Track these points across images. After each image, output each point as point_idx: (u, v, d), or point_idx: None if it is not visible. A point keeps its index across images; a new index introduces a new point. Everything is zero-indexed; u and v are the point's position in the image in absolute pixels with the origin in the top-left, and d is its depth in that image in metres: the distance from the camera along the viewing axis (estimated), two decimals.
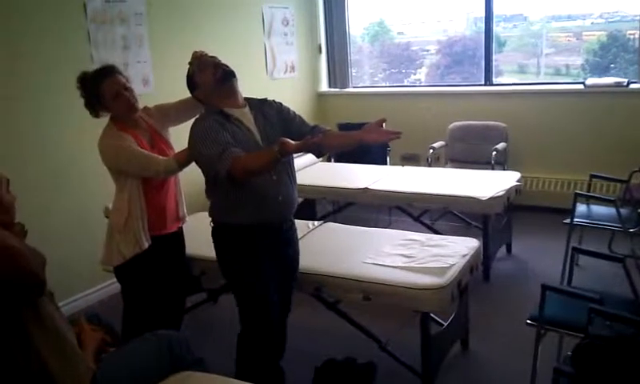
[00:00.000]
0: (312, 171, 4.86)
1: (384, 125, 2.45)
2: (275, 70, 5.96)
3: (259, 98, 2.65)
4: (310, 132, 2.58)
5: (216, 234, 2.60)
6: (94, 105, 2.71)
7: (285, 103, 2.73)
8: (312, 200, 5.12)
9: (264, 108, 2.60)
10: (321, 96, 6.65)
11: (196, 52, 2.57)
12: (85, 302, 4.10)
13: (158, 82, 4.52)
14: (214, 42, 4.82)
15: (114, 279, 2.94)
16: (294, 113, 2.69)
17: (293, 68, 6.23)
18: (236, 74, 2.52)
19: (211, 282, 3.56)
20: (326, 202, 5.19)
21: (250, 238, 2.51)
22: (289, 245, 2.70)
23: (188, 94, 2.90)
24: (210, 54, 2.55)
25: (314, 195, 4.78)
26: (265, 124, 2.54)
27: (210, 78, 2.48)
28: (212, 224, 2.60)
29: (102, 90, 2.66)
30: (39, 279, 1.64)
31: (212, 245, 2.64)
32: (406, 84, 6.68)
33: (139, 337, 2.18)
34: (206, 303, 3.86)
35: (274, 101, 2.68)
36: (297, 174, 2.66)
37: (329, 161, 5.48)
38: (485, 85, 5.82)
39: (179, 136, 2.98)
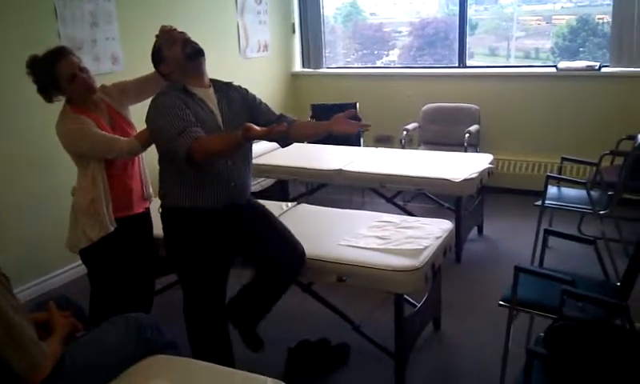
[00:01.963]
0: (285, 152, 4.77)
1: (357, 107, 2.45)
2: (248, 49, 5.87)
3: (225, 80, 2.61)
4: (275, 121, 2.55)
5: (164, 216, 2.56)
6: (47, 89, 2.61)
7: (258, 83, 2.70)
8: (284, 181, 5.09)
9: (229, 91, 2.57)
10: (294, 76, 6.59)
11: (165, 26, 2.51)
12: (53, 284, 4.02)
13: (128, 59, 4.40)
14: (185, 18, 4.71)
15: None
16: (260, 100, 2.66)
17: (266, 47, 6.14)
18: (205, 52, 2.47)
19: None
20: (298, 183, 5.16)
21: (198, 221, 2.47)
22: (243, 213, 2.63)
23: None
24: (180, 30, 2.49)
25: (286, 176, 4.75)
26: (228, 108, 2.50)
27: (179, 54, 2.43)
28: (161, 208, 2.57)
29: (57, 72, 2.56)
30: None
31: None
32: (379, 65, 6.66)
33: (107, 320, 2.13)
34: (176, 285, 3.81)
35: (239, 86, 2.65)
36: (268, 155, 2.64)
37: (301, 142, 5.44)
38: (458, 67, 5.82)
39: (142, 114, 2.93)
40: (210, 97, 2.47)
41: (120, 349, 2.02)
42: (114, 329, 2.07)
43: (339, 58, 6.82)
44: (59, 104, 2.69)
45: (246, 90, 2.65)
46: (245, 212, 2.65)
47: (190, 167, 2.32)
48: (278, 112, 2.68)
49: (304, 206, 3.61)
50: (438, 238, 2.92)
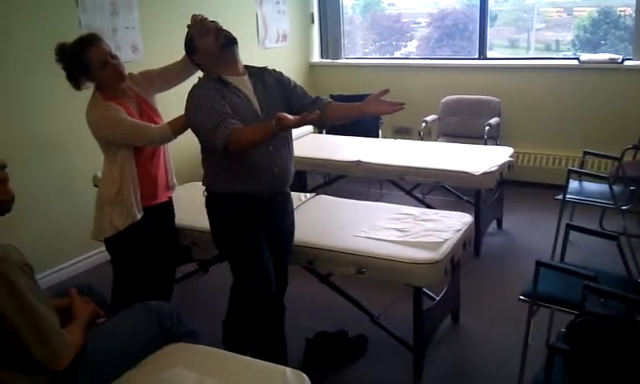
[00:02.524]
0: (303, 143, 4.81)
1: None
2: (267, 39, 5.86)
3: (259, 66, 2.59)
4: (310, 104, 2.53)
5: (209, 202, 2.56)
6: (77, 77, 2.61)
7: None
8: (303, 172, 5.08)
9: (264, 76, 2.54)
10: (312, 67, 6.56)
11: (196, 15, 2.48)
12: (73, 270, 4.06)
13: (148, 48, 4.42)
14: (204, 7, 4.66)
15: (103, 248, 2.90)
16: (295, 83, 2.63)
17: (285, 37, 6.12)
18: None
19: (202, 253, 3.55)
20: (316, 174, 5.15)
21: (243, 207, 2.47)
22: (283, 217, 2.67)
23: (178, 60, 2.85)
24: (210, 19, 2.47)
25: (304, 167, 4.73)
26: (264, 93, 2.48)
27: (212, 44, 2.41)
28: (205, 193, 2.55)
29: (89, 59, 2.56)
30: None
31: (203, 215, 2.61)
32: (398, 56, 6.61)
33: (128, 308, 2.15)
34: (197, 274, 3.84)
35: (274, 70, 2.61)
36: None
37: (320, 132, 5.43)
38: (479, 58, 5.76)
39: (168, 102, 2.94)
40: (246, 84, 2.45)
41: (140, 336, 2.04)
42: (135, 317, 2.08)
43: (357, 49, 6.78)
44: (80, 92, 2.68)
45: (280, 73, 2.62)
46: (282, 217, 2.66)
47: (228, 157, 2.32)
48: (313, 95, 2.65)
49: (322, 197, 3.61)
50: (457, 231, 2.90)
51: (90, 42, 2.59)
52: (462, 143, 4.74)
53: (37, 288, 1.71)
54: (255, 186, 2.45)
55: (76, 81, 2.62)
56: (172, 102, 2.48)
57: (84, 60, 2.57)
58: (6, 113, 3.63)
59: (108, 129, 2.61)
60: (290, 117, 2.18)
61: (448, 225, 2.96)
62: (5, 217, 1.76)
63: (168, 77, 2.86)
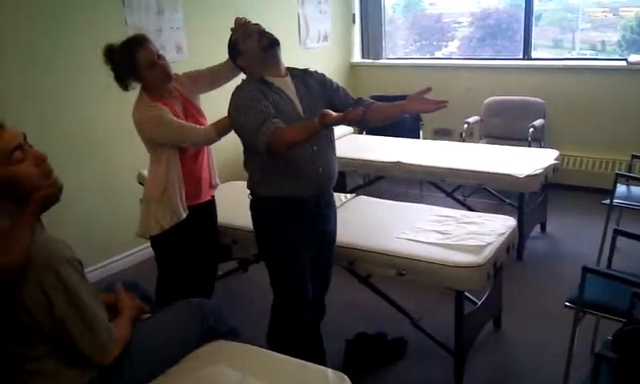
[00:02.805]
0: (343, 143, 4.80)
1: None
2: (308, 39, 5.87)
3: (301, 67, 2.59)
4: (353, 105, 2.49)
5: (254, 207, 2.56)
6: (125, 77, 2.65)
7: None
8: (342, 172, 5.06)
9: (306, 78, 2.53)
10: (353, 67, 6.55)
11: (239, 18, 2.50)
12: (117, 267, 4.15)
13: (192, 48, 4.48)
14: (247, 8, 4.73)
15: (148, 243, 2.95)
16: (338, 85, 2.61)
17: (326, 37, 6.13)
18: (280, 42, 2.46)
19: (242, 251, 3.58)
20: (356, 174, 5.14)
21: (287, 211, 2.46)
22: (327, 221, 2.64)
23: (221, 61, 2.87)
24: (253, 21, 2.49)
25: (344, 168, 4.70)
26: (306, 94, 2.48)
27: (255, 46, 2.42)
28: (250, 197, 2.56)
29: (137, 60, 2.60)
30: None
31: (243, 214, 2.62)
32: (440, 56, 6.54)
33: (172, 305, 2.17)
34: (237, 272, 3.88)
35: (316, 71, 2.61)
36: None
37: (360, 133, 5.41)
38: (523, 59, 5.66)
39: (212, 103, 2.97)
40: (288, 85, 2.45)
41: (184, 333, 2.06)
42: (179, 313, 2.11)
43: (397, 49, 6.74)
44: (123, 90, 2.72)
45: (323, 74, 2.61)
46: (326, 221, 2.64)
47: (272, 157, 2.33)
48: (355, 96, 2.63)
49: (362, 198, 3.60)
50: (501, 234, 2.85)
51: (137, 43, 2.63)
52: (505, 145, 4.66)
53: (86, 283, 1.74)
54: (299, 188, 2.43)
55: (124, 81, 2.66)
56: (217, 103, 2.50)
57: (132, 61, 2.61)
58: (54, 111, 3.73)
59: (154, 129, 2.65)
60: (332, 113, 2.17)
61: (491, 228, 2.91)
62: (52, 214, 1.79)
63: (213, 78, 2.89)
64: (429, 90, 2.36)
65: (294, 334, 2.62)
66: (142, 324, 2.03)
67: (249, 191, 2.55)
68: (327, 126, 2.23)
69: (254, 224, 2.58)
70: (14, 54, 3.49)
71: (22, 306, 1.61)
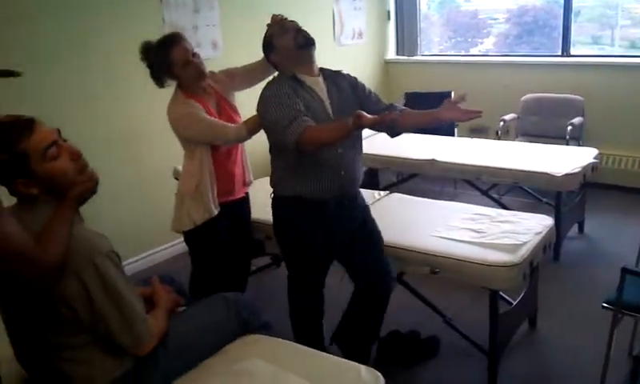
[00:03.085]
0: (376, 140, 4.75)
1: (452, 95, 2.35)
2: (342, 36, 5.87)
3: (334, 69, 2.58)
4: (385, 111, 2.47)
5: (275, 205, 2.57)
6: (160, 75, 2.68)
7: (351, 70, 2.66)
8: (375, 170, 5.06)
9: (338, 80, 2.53)
10: (387, 63, 6.53)
11: (276, 15, 2.51)
12: (153, 260, 4.21)
13: (227, 45, 4.52)
14: (281, 5, 4.76)
15: (182, 238, 2.98)
16: (370, 90, 2.61)
17: (360, 34, 6.12)
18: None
19: (274, 247, 3.59)
20: (389, 172, 5.11)
21: (306, 211, 2.46)
22: (353, 219, 2.61)
23: (257, 58, 2.89)
24: (290, 19, 2.49)
25: (377, 165, 4.72)
26: (337, 96, 2.47)
27: (291, 43, 2.42)
28: (272, 195, 2.57)
29: (172, 58, 2.63)
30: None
31: None
32: (475, 53, 6.46)
33: (207, 298, 2.19)
34: (269, 267, 3.90)
35: (348, 74, 2.60)
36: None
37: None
38: (561, 56, 5.55)
39: (250, 100, 2.98)
40: (320, 85, 2.45)
41: (218, 326, 2.08)
42: (214, 307, 2.13)
43: (431, 46, 6.68)
44: (159, 87, 2.76)
45: (355, 78, 2.60)
46: (358, 220, 2.63)
47: (300, 156, 2.32)
48: (387, 102, 2.62)
49: (396, 195, 3.58)
50: (538, 234, 2.81)
51: (173, 41, 2.67)
52: (542, 143, 4.58)
53: (124, 276, 1.76)
54: (320, 189, 2.42)
55: (159, 79, 2.69)
56: (253, 101, 2.50)
57: (167, 59, 2.64)
58: (92, 108, 3.80)
59: (187, 126, 2.68)
60: (368, 115, 2.15)
61: (527, 227, 2.87)
62: (90, 208, 1.83)
63: (248, 76, 2.90)
64: (464, 97, 2.33)
65: (306, 318, 2.67)
66: (177, 317, 2.06)
67: (271, 189, 2.56)
68: (360, 128, 2.21)
69: (273, 222, 2.60)
70: (54, 53, 3.57)
71: (61, 298, 1.64)
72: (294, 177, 2.44)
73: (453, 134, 5.36)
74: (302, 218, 2.49)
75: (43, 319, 1.69)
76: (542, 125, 5.20)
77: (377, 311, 2.76)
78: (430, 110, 2.44)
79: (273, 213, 2.59)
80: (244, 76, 2.91)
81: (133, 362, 1.81)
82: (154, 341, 1.83)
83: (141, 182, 4.14)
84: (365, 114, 2.16)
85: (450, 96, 5.21)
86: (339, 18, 5.79)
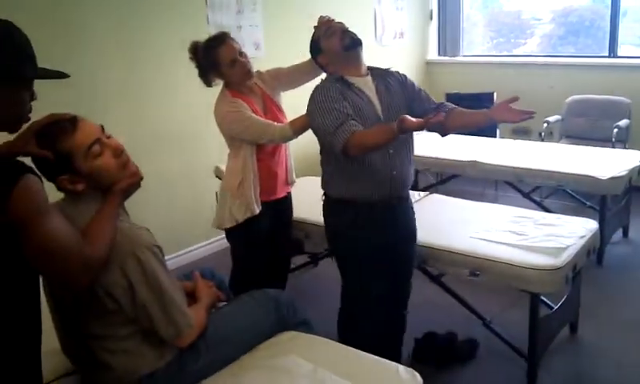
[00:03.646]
0: (416, 141, 4.74)
1: (495, 97, 2.31)
2: (384, 36, 5.85)
3: (383, 67, 2.56)
4: (434, 109, 2.45)
5: (326, 207, 2.56)
6: (208, 73, 2.72)
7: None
8: (414, 170, 5.02)
9: (387, 78, 2.50)
10: (429, 64, 6.49)
11: (323, 17, 2.52)
12: (193, 256, 4.28)
13: (269, 46, 4.56)
14: (323, 6, 4.78)
15: (222, 235, 3.02)
16: (419, 87, 2.57)
17: (402, 34, 6.09)
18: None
19: (313, 246, 3.62)
20: (429, 173, 5.08)
21: (358, 212, 2.43)
22: (401, 222, 2.58)
23: (298, 59, 2.91)
24: (337, 20, 2.49)
25: (417, 166, 4.61)
26: (386, 95, 2.44)
27: (337, 44, 2.41)
28: (324, 197, 2.56)
29: (219, 57, 2.67)
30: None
31: (316, 209, 2.63)
32: (518, 53, 6.37)
33: (247, 294, 2.22)
34: (307, 266, 3.93)
35: (397, 72, 2.57)
36: None
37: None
38: (608, 57, 5.42)
39: (294, 100, 3.01)
40: (368, 85, 2.43)
41: (258, 322, 2.11)
42: (254, 303, 2.16)
43: (473, 47, 6.61)
44: (205, 88, 2.81)
45: (404, 76, 2.57)
46: (400, 226, 2.59)
47: (347, 158, 2.31)
48: (437, 101, 2.58)
49: (436, 196, 3.56)
50: (581, 237, 2.76)
51: (220, 40, 2.70)
52: (586, 146, 4.49)
53: (166, 269, 1.80)
54: (371, 190, 2.40)
55: (207, 78, 2.74)
56: (300, 100, 2.52)
57: (214, 58, 2.68)
58: (139, 106, 3.89)
59: (232, 124, 2.71)
60: (412, 119, 2.12)
61: (570, 230, 2.82)
62: (135, 203, 1.87)
63: (294, 76, 2.91)
64: (516, 98, 2.27)
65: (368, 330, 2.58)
66: (218, 311, 2.10)
67: (322, 191, 2.55)
68: (405, 132, 2.17)
69: (325, 224, 2.58)
70: (104, 53, 3.67)
71: (105, 290, 1.68)
72: (345, 177, 2.42)
73: (495, 135, 5.30)
74: (353, 220, 2.45)
75: (88, 311, 1.73)
76: (587, 127, 5.10)
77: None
78: (481, 110, 2.40)
79: (324, 215, 2.57)
80: (290, 76, 2.92)
81: (174, 354, 1.85)
82: (194, 333, 1.86)
83: (184, 179, 4.21)
84: (409, 118, 2.12)
85: (493, 97, 5.17)
86: (381, 18, 5.78)
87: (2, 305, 1.44)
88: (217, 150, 3.35)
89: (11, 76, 1.44)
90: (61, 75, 1.54)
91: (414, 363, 2.88)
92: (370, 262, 2.48)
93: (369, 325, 2.55)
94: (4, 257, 1.41)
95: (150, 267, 1.72)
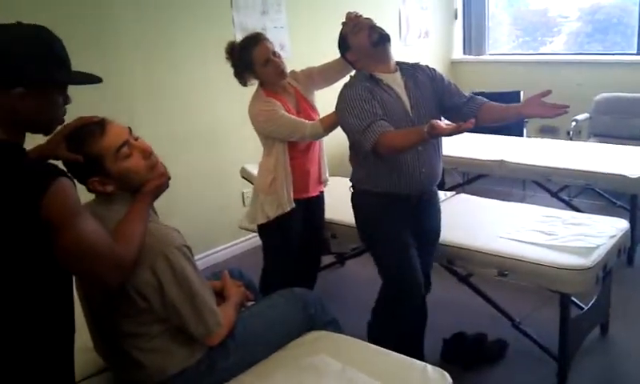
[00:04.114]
0: (443, 140, 4.74)
1: (521, 95, 2.29)
2: (408, 35, 5.83)
3: (412, 62, 2.56)
4: (464, 103, 2.44)
5: (355, 198, 2.57)
6: (243, 73, 2.76)
7: None
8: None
9: (416, 73, 2.49)
10: (454, 63, 6.44)
11: (350, 13, 2.52)
12: (221, 256, 4.30)
13: (294, 46, 4.57)
14: (348, 6, 4.78)
15: (249, 236, 3.04)
16: (449, 81, 2.55)
17: (426, 34, 6.06)
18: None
19: (340, 246, 3.62)
20: (455, 172, 5.05)
21: (387, 204, 2.45)
22: (428, 218, 2.62)
23: (324, 59, 2.92)
24: (365, 16, 2.49)
25: (443, 165, 4.60)
26: (416, 91, 2.43)
27: (366, 41, 2.41)
28: (352, 189, 2.57)
29: (253, 56, 2.70)
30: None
31: (344, 209, 2.64)
32: (545, 52, 6.29)
33: (276, 293, 2.23)
34: (334, 266, 3.93)
35: (427, 66, 2.57)
36: None
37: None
38: (637, 54, 5.33)
39: (325, 99, 3.02)
40: (397, 81, 2.43)
41: (286, 321, 2.12)
42: (282, 302, 2.17)
43: (498, 45, 6.54)
44: (232, 87, 2.83)
45: (434, 69, 2.56)
46: (428, 218, 2.62)
47: (376, 157, 2.32)
48: (468, 94, 2.55)
49: (463, 196, 3.54)
50: (612, 237, 2.72)
51: (254, 41, 2.74)
52: (615, 144, 4.42)
53: (195, 269, 1.82)
54: (400, 186, 2.42)
55: (242, 77, 2.78)
56: (331, 99, 2.53)
57: (249, 58, 2.71)
58: (166, 107, 3.92)
59: (265, 123, 2.73)
60: (443, 125, 2.11)
61: (600, 230, 2.78)
62: (163, 205, 1.90)
63: (325, 75, 2.92)
64: (549, 92, 2.24)
65: (404, 318, 2.59)
66: (247, 310, 2.12)
67: (350, 184, 2.57)
68: (435, 137, 2.18)
69: (356, 216, 2.59)
70: (131, 54, 3.71)
71: (136, 289, 1.71)
72: (376, 174, 2.44)
73: (522, 134, 5.25)
74: (383, 209, 2.46)
75: (120, 310, 1.76)
76: (616, 125, 5.02)
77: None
78: (513, 104, 2.38)
79: (354, 208, 2.58)
80: (322, 75, 2.93)
81: (204, 353, 1.87)
82: (223, 332, 1.88)
83: (211, 179, 4.24)
84: (440, 123, 2.12)
85: (519, 96, 5.12)
86: (405, 18, 5.76)
87: (36, 303, 1.47)
88: (243, 151, 3.38)
89: (46, 81, 1.47)
90: (94, 80, 1.57)
91: (442, 364, 2.87)
92: (402, 256, 2.48)
93: (407, 308, 2.55)
94: (38, 257, 1.44)
95: (179, 267, 1.74)
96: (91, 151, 1.68)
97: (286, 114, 2.72)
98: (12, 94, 1.41)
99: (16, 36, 1.45)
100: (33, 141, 1.57)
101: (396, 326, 2.59)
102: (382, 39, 2.40)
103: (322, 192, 3.06)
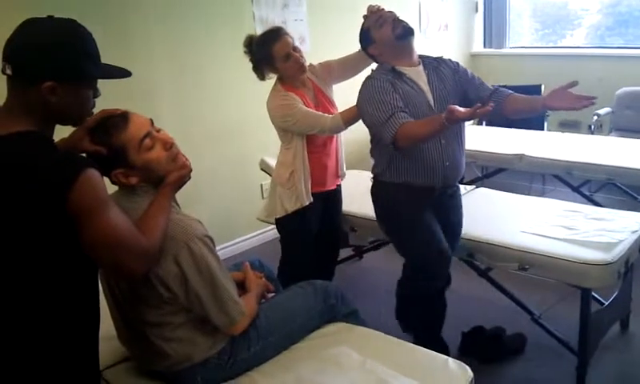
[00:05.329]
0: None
1: (542, 89, 2.27)
2: (428, 28, 5.80)
3: (435, 55, 2.55)
4: (489, 96, 2.41)
5: (377, 190, 2.57)
6: (262, 67, 2.77)
7: None
8: None
9: (439, 67, 2.48)
10: (473, 56, 6.40)
11: (372, 6, 2.51)
12: (240, 248, 4.33)
13: (314, 40, 4.58)
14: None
15: (268, 228, 3.05)
16: (473, 74, 2.53)
17: (446, 26, 6.03)
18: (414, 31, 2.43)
19: (359, 239, 3.63)
20: (474, 166, 5.02)
21: (410, 195, 2.45)
22: (451, 212, 2.62)
23: (344, 53, 2.92)
24: (388, 9, 2.48)
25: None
26: (439, 84, 2.42)
27: (389, 34, 2.39)
28: (372, 180, 2.57)
29: (273, 51, 2.70)
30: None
31: (363, 202, 2.65)
32: (565, 45, 6.22)
33: (296, 284, 2.25)
34: (352, 259, 3.94)
35: (450, 60, 2.55)
36: None
37: (480, 124, 5.28)
38: None
39: (343, 93, 3.03)
40: (420, 74, 2.42)
41: (307, 312, 2.13)
42: (303, 293, 2.18)
43: (517, 38, 6.49)
44: (252, 81, 2.85)
45: (457, 63, 2.55)
46: (450, 211, 2.63)
47: (397, 150, 2.32)
48: (492, 86, 2.53)
49: (483, 190, 3.53)
50: (634, 232, 2.69)
51: (274, 35, 2.74)
52: (638, 138, 4.37)
53: (217, 259, 1.84)
54: (425, 179, 2.41)
55: (261, 71, 2.79)
56: (349, 93, 2.53)
57: (268, 52, 2.71)
58: (189, 102, 3.96)
59: (284, 117, 2.74)
60: (461, 109, 2.10)
61: (623, 225, 2.76)
62: (185, 196, 1.92)
63: (344, 68, 2.93)
64: (575, 84, 2.19)
65: (429, 300, 2.62)
66: (268, 301, 2.14)
67: (372, 175, 2.57)
68: (454, 123, 2.15)
69: (376, 206, 2.59)
70: (157, 53, 3.76)
71: (160, 279, 1.74)
72: (398, 167, 2.43)
73: (542, 128, 5.20)
74: (405, 199, 2.47)
75: (144, 299, 1.79)
76: (638, 119, 4.96)
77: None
78: (538, 96, 2.36)
79: (375, 199, 2.59)
80: (340, 68, 2.93)
81: (226, 342, 1.90)
82: (245, 322, 1.91)
83: (231, 172, 4.26)
84: (458, 108, 2.10)
85: (540, 89, 5.07)
86: (425, 10, 5.74)
87: (62, 293, 1.50)
88: (262, 144, 3.37)
89: (76, 74, 1.49)
90: (124, 73, 1.59)
91: (461, 357, 2.87)
92: (426, 232, 2.49)
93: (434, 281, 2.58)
94: (65, 246, 1.47)
95: (202, 257, 1.76)
96: (115, 143, 1.71)
97: (305, 107, 2.72)
98: (43, 87, 1.43)
99: (47, 29, 1.47)
100: (56, 134, 1.59)
101: (421, 303, 2.61)
102: (406, 32, 2.38)
103: (339, 185, 3.07)
